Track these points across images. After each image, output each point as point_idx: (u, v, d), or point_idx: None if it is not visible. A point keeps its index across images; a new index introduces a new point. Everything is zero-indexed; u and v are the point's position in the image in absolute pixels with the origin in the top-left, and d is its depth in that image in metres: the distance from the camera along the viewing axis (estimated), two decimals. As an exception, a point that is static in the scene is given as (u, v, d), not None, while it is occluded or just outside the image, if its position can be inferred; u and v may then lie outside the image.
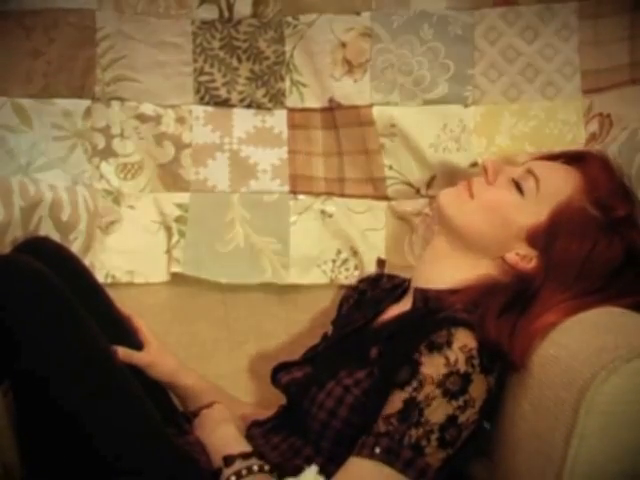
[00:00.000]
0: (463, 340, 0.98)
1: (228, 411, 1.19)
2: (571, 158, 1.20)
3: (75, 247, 1.38)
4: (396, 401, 0.97)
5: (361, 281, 1.40)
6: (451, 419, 0.95)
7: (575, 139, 1.39)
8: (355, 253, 1.48)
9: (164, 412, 1.12)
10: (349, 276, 1.47)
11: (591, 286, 1.06)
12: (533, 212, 1.12)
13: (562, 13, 1.40)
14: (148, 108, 1.48)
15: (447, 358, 0.96)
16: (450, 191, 1.20)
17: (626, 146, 1.22)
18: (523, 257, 1.11)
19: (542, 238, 1.10)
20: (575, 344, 0.94)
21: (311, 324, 1.35)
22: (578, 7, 1.39)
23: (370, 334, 1.14)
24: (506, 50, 1.43)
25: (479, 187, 1.17)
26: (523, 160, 1.29)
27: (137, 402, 1.02)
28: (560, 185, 1.13)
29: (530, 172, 1.14)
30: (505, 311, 1.04)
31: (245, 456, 1.02)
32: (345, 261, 1.48)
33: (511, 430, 1.00)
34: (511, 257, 1.12)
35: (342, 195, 1.50)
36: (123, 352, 1.21)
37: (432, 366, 0.96)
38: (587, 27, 1.39)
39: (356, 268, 1.47)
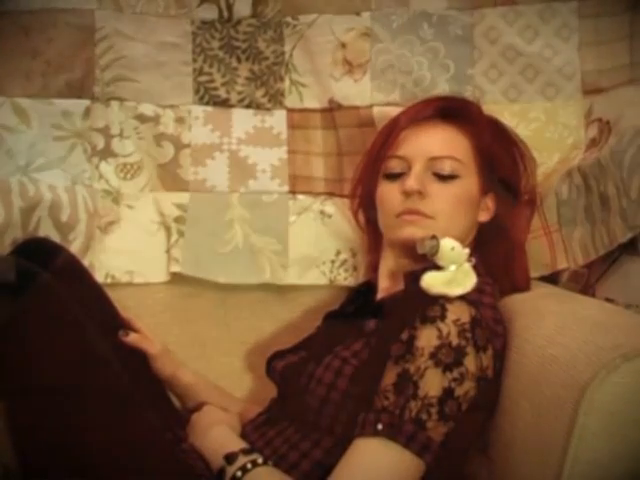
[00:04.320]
0: (457, 313, 0.99)
1: (219, 411, 1.20)
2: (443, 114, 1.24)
3: (75, 247, 1.38)
4: (391, 375, 0.98)
5: (362, 285, 1.40)
6: (448, 392, 0.96)
7: (575, 143, 1.39)
8: (354, 254, 1.47)
9: (162, 418, 1.12)
10: (348, 277, 1.47)
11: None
12: (471, 177, 1.19)
13: (562, 12, 1.40)
14: (147, 108, 1.48)
15: (440, 330, 0.97)
16: (408, 230, 1.15)
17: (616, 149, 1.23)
18: (488, 205, 1.23)
19: (484, 181, 1.21)
20: (575, 344, 0.94)
21: (310, 324, 1.34)
22: (578, 6, 1.39)
23: (366, 310, 1.16)
24: (506, 50, 1.43)
25: (425, 204, 1.15)
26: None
27: (136, 408, 1.02)
28: (461, 144, 1.20)
29: (438, 158, 1.18)
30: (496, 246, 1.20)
31: (246, 451, 1.04)
32: (344, 262, 1.48)
33: (510, 429, 1.00)
34: (483, 215, 1.22)
35: (341, 195, 1.49)
36: (135, 336, 1.23)
37: (425, 338, 0.98)
38: (587, 26, 1.39)
39: (355, 269, 1.47)
